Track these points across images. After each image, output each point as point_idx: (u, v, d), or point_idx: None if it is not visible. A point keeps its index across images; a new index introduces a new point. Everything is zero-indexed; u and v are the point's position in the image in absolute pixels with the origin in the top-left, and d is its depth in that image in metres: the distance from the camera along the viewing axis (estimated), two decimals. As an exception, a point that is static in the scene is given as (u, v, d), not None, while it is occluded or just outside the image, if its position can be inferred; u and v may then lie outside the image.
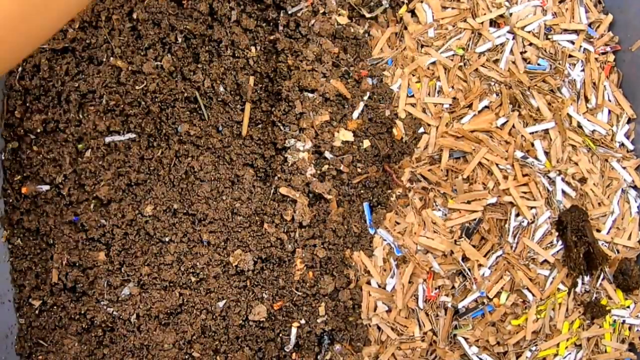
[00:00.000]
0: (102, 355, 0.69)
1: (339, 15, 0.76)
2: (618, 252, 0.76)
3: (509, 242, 0.74)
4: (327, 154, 0.73)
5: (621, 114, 0.79)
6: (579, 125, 0.78)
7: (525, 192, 0.75)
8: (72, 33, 0.72)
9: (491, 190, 0.75)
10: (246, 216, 0.72)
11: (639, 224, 0.77)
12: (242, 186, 0.73)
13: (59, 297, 0.71)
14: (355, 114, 0.75)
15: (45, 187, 0.72)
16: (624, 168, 0.78)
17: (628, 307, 0.75)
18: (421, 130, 0.77)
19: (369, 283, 0.74)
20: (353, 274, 0.73)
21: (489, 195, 0.74)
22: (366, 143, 0.75)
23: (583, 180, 0.76)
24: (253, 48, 0.75)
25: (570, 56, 0.80)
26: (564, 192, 0.76)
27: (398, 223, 0.75)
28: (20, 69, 0.72)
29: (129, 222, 0.71)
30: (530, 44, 0.80)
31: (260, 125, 0.75)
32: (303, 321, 0.70)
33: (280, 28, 0.74)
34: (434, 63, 0.79)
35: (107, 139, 0.72)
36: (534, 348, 0.72)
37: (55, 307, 0.71)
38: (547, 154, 0.76)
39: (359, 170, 0.74)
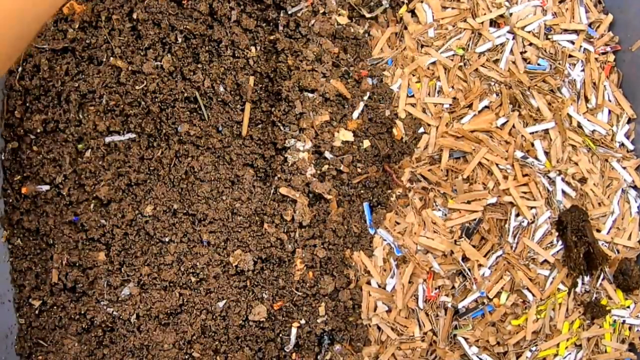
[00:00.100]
0: (102, 355, 0.69)
1: (339, 15, 0.76)
2: (618, 252, 0.76)
3: (509, 242, 0.74)
4: (327, 154, 0.73)
5: (621, 114, 0.79)
6: (579, 125, 0.78)
7: (525, 192, 0.75)
8: (72, 33, 0.72)
9: (491, 190, 0.75)
10: (246, 216, 0.72)
11: (639, 224, 0.77)
12: (242, 186, 0.73)
13: (59, 297, 0.71)
14: (355, 114, 0.75)
15: (45, 187, 0.72)
16: (624, 168, 0.78)
17: (628, 307, 0.75)
18: (421, 130, 0.77)
19: (369, 283, 0.74)
20: (353, 274, 0.73)
21: (489, 195, 0.74)
22: (366, 143, 0.75)
23: (583, 180, 0.76)
24: (253, 48, 0.75)
25: (570, 56, 0.80)
26: (564, 192, 0.76)
27: (398, 223, 0.75)
28: (20, 69, 0.72)
29: (129, 222, 0.71)
30: (530, 44, 0.80)
31: (260, 125, 0.75)
32: (303, 321, 0.70)
33: (280, 28, 0.74)
34: (434, 63, 0.79)
35: (107, 139, 0.72)
36: (534, 348, 0.72)
37: (55, 307, 0.71)
38: (547, 154, 0.76)
39: (359, 170, 0.74)
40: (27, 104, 0.72)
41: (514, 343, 0.72)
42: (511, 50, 0.79)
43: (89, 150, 0.72)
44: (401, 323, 0.73)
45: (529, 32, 0.79)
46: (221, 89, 0.74)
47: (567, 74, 0.79)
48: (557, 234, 0.74)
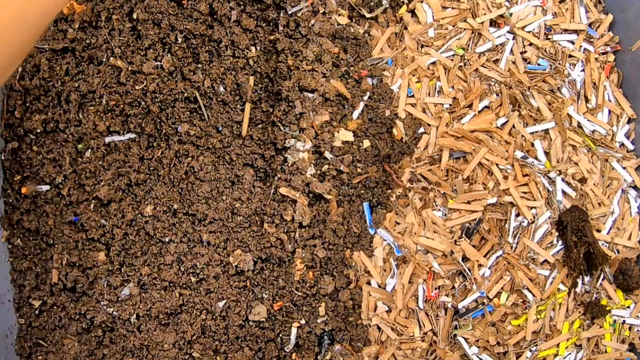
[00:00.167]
0: (102, 355, 0.69)
1: (339, 15, 0.76)
2: (618, 252, 0.76)
3: (509, 242, 0.74)
4: (327, 154, 0.73)
5: (621, 114, 0.79)
6: (579, 125, 0.78)
7: (525, 192, 0.75)
8: (72, 33, 0.72)
9: (491, 190, 0.75)
10: (246, 216, 0.72)
11: (639, 224, 0.77)
12: (242, 186, 0.73)
13: (59, 297, 0.71)
14: (355, 114, 0.75)
15: (45, 187, 0.72)
16: (624, 168, 0.78)
17: (628, 307, 0.75)
18: (421, 130, 0.77)
19: (369, 283, 0.74)
20: (353, 274, 0.73)
21: (489, 195, 0.74)
22: (366, 143, 0.75)
23: (583, 180, 0.76)
24: (253, 48, 0.75)
25: (570, 56, 0.80)
26: (564, 192, 0.76)
27: (398, 223, 0.75)
28: (20, 69, 0.72)
29: (129, 222, 0.71)
30: (531, 44, 0.79)
31: (260, 125, 0.75)
32: (303, 321, 0.70)
33: (280, 28, 0.74)
34: (434, 63, 0.79)
35: (107, 139, 0.72)
36: (534, 348, 0.72)
37: (55, 307, 0.71)
38: (547, 154, 0.76)
39: (359, 170, 0.74)
40: (27, 104, 0.72)
41: (514, 343, 0.72)
42: (511, 50, 0.79)
43: (89, 150, 0.72)
44: (401, 323, 0.73)
45: (529, 32, 0.79)
46: (221, 89, 0.74)
47: (567, 74, 0.79)
48: (557, 234, 0.74)
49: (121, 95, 0.72)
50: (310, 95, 0.72)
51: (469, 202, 0.74)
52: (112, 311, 0.69)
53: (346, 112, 0.75)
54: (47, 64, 0.72)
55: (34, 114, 0.72)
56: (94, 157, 0.72)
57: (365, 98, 0.76)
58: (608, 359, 0.73)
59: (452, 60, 0.78)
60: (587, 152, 0.77)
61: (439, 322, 0.73)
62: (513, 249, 0.74)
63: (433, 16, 0.79)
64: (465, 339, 0.73)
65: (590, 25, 0.81)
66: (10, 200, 0.73)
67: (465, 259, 0.73)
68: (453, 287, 0.73)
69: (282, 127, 0.72)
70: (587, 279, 0.74)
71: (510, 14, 0.80)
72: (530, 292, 0.73)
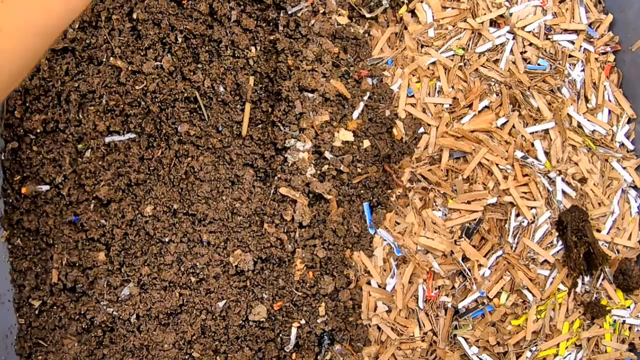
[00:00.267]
0: (102, 355, 0.69)
1: (339, 15, 0.76)
2: (618, 252, 0.76)
3: (509, 242, 0.74)
4: (327, 154, 0.73)
5: (621, 114, 0.79)
6: (579, 125, 0.78)
7: (525, 192, 0.75)
8: (72, 33, 0.72)
9: (491, 190, 0.75)
10: (246, 216, 0.72)
11: (639, 224, 0.77)
12: (242, 186, 0.73)
13: (59, 297, 0.71)
14: (355, 114, 0.75)
15: (45, 187, 0.72)
16: (624, 168, 0.78)
17: (628, 307, 0.75)
18: (421, 130, 0.77)
19: (369, 283, 0.74)
20: (353, 274, 0.73)
21: (489, 195, 0.74)
22: (366, 143, 0.75)
23: (583, 180, 0.76)
24: (253, 48, 0.75)
25: (570, 56, 0.80)
26: (564, 192, 0.76)
27: (398, 223, 0.75)
28: (20, 69, 0.72)
29: (129, 222, 0.71)
30: (531, 44, 0.79)
31: (260, 125, 0.75)
32: (303, 321, 0.70)
33: (280, 28, 0.74)
34: (434, 63, 0.79)
35: (107, 139, 0.72)
36: (534, 348, 0.72)
37: (55, 307, 0.71)
38: (547, 154, 0.76)
39: (359, 170, 0.74)
40: (27, 104, 0.72)
41: (514, 343, 0.72)
42: (511, 50, 0.79)
43: (89, 150, 0.72)
44: (401, 323, 0.73)
45: (529, 32, 0.79)
46: (221, 89, 0.74)
47: (567, 74, 0.79)
48: (557, 234, 0.74)
49: (121, 95, 0.72)
50: (310, 95, 0.72)
51: (469, 202, 0.74)
52: (112, 311, 0.69)
53: (346, 112, 0.75)
54: (47, 63, 0.72)
55: (34, 113, 0.71)
56: (94, 157, 0.72)
57: (365, 98, 0.76)
58: (608, 359, 0.73)
59: (452, 60, 0.78)
60: (587, 152, 0.77)
61: (439, 322, 0.73)
62: (513, 249, 0.74)
63: (433, 16, 0.79)
64: (465, 339, 0.73)
65: (590, 25, 0.81)
66: (10, 200, 0.73)
67: (465, 259, 0.73)
68: (453, 287, 0.73)
69: (282, 127, 0.72)
70: (587, 279, 0.74)
71: (510, 14, 0.80)
72: (530, 292, 0.73)
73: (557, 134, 0.77)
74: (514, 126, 0.76)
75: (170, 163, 0.72)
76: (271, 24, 0.75)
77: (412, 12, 0.80)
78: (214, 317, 0.70)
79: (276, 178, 0.72)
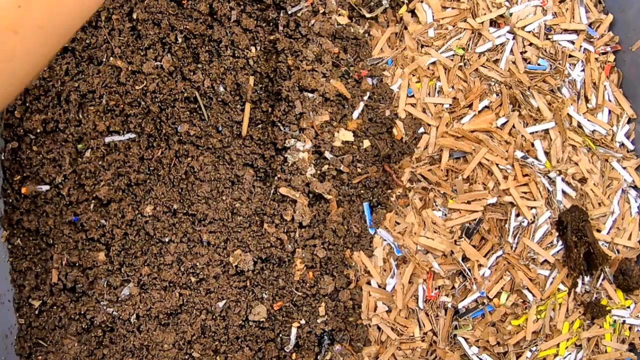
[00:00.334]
0: (102, 355, 0.69)
1: (339, 15, 0.76)
2: (618, 252, 0.76)
3: (509, 242, 0.74)
4: (327, 154, 0.73)
5: (621, 114, 0.79)
6: (579, 125, 0.78)
7: (525, 192, 0.75)
8: (72, 33, 0.72)
9: (491, 190, 0.75)
10: (246, 216, 0.72)
11: (639, 224, 0.77)
12: (242, 186, 0.73)
13: (59, 297, 0.71)
14: (355, 114, 0.75)
15: (45, 187, 0.72)
16: (624, 168, 0.78)
17: (628, 307, 0.75)
18: (421, 130, 0.77)
19: (369, 283, 0.74)
20: (353, 274, 0.73)
21: (489, 195, 0.74)
22: (366, 143, 0.75)
23: (583, 181, 0.76)
24: (253, 48, 0.75)
25: (570, 56, 0.80)
26: (564, 192, 0.76)
27: (398, 223, 0.75)
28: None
29: (128, 222, 0.71)
30: (531, 44, 0.79)
31: (260, 125, 0.75)
32: (303, 321, 0.70)
33: (280, 28, 0.74)
34: (434, 63, 0.79)
35: (107, 139, 0.72)
36: (534, 348, 0.72)
37: (55, 307, 0.71)
38: (547, 154, 0.76)
39: (359, 170, 0.74)
40: (27, 104, 0.72)
41: (514, 343, 0.72)
42: (511, 50, 0.79)
43: (89, 150, 0.72)
44: (401, 323, 0.73)
45: (529, 32, 0.79)
46: (221, 89, 0.74)
47: (567, 74, 0.79)
48: (557, 234, 0.74)
49: (121, 95, 0.72)
50: (310, 95, 0.72)
51: (469, 202, 0.74)
52: (112, 311, 0.69)
53: (346, 112, 0.74)
54: (47, 64, 0.72)
55: (34, 113, 0.71)
56: (94, 157, 0.72)
57: (365, 98, 0.76)
58: (608, 359, 0.73)
59: (452, 60, 0.78)
60: (587, 152, 0.77)
61: (439, 322, 0.73)
62: (513, 249, 0.74)
63: (433, 16, 0.79)
64: (465, 339, 0.73)
65: (590, 25, 0.81)
66: (10, 200, 0.73)
67: (465, 259, 0.73)
68: (453, 287, 0.73)
69: (282, 127, 0.72)
70: (587, 279, 0.74)
71: (510, 14, 0.80)
72: (530, 292, 0.73)
73: (557, 134, 0.77)
74: (514, 126, 0.76)
75: (170, 163, 0.72)
76: (271, 24, 0.75)
77: (412, 12, 0.80)
78: (214, 317, 0.70)
79: (276, 178, 0.72)
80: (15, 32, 0.37)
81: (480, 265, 0.73)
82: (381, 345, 0.73)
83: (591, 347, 0.74)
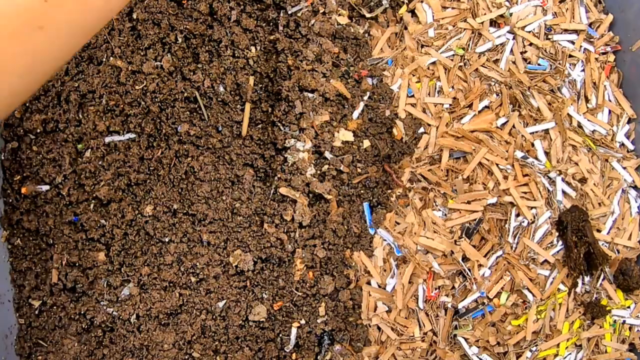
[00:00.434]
0: (102, 355, 0.69)
1: (339, 15, 0.76)
2: (618, 252, 0.76)
3: (509, 242, 0.74)
4: (327, 154, 0.73)
5: (621, 114, 0.79)
6: (579, 125, 0.78)
7: (525, 192, 0.75)
8: (72, 33, 0.72)
9: (491, 190, 0.75)
10: (246, 216, 0.72)
11: (639, 224, 0.77)
12: (242, 186, 0.73)
13: (59, 297, 0.71)
14: (355, 114, 0.75)
15: (45, 187, 0.72)
16: (625, 168, 0.78)
17: (628, 307, 0.75)
18: (421, 130, 0.77)
19: (369, 283, 0.74)
20: (353, 274, 0.73)
21: (489, 195, 0.74)
22: (366, 143, 0.75)
23: (583, 181, 0.76)
24: (253, 48, 0.75)
25: (570, 56, 0.80)
26: (564, 192, 0.76)
27: (398, 223, 0.75)
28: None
29: (128, 222, 0.71)
30: (531, 44, 0.79)
31: (260, 125, 0.75)
32: (303, 321, 0.70)
33: (280, 28, 0.74)
34: (434, 63, 0.79)
35: (107, 139, 0.72)
36: (534, 348, 0.72)
37: (55, 307, 0.71)
38: (547, 154, 0.76)
39: (359, 170, 0.74)
40: (27, 104, 0.72)
41: (514, 343, 0.72)
42: (511, 50, 0.79)
43: (89, 150, 0.72)
44: (401, 323, 0.73)
45: (529, 32, 0.79)
46: (221, 89, 0.74)
47: (568, 74, 0.79)
48: (557, 234, 0.74)
49: (121, 95, 0.72)
50: (310, 95, 0.72)
51: (469, 202, 0.74)
52: (112, 311, 0.69)
53: (346, 112, 0.74)
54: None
55: (34, 113, 0.71)
56: (94, 157, 0.72)
57: (365, 98, 0.76)
58: (608, 359, 0.73)
59: (452, 60, 0.78)
60: (587, 152, 0.77)
61: (439, 322, 0.73)
62: (513, 249, 0.74)
63: (433, 16, 0.79)
64: (465, 339, 0.73)
65: (590, 25, 0.81)
66: (10, 200, 0.73)
67: (465, 259, 0.73)
68: (453, 287, 0.73)
69: (282, 127, 0.72)
70: (587, 279, 0.74)
71: (510, 14, 0.80)
72: (530, 292, 0.73)
73: (557, 134, 0.76)
74: (514, 126, 0.76)
75: (170, 163, 0.72)
76: (271, 24, 0.75)
77: (412, 12, 0.80)
78: (214, 317, 0.70)
79: (276, 178, 0.72)
80: (40, 27, 0.36)
81: (480, 265, 0.73)
82: (381, 345, 0.73)
83: (591, 347, 0.74)
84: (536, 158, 0.76)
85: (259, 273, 0.71)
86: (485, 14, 0.79)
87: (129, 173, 0.71)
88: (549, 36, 0.80)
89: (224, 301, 0.70)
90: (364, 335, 0.72)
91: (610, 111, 0.79)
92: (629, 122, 0.79)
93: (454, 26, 0.79)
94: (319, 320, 0.71)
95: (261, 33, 0.75)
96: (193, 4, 0.73)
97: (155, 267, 0.70)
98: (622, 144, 0.79)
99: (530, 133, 0.76)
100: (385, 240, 0.75)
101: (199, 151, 0.73)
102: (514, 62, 0.79)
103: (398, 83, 0.78)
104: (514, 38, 0.79)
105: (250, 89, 0.74)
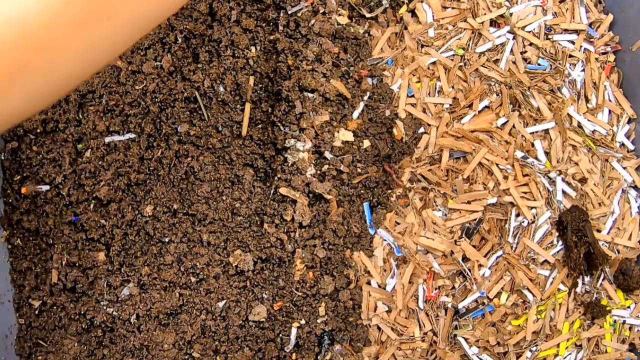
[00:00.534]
0: (102, 355, 0.69)
1: (339, 15, 0.76)
2: (618, 252, 0.76)
3: (509, 242, 0.74)
4: (327, 154, 0.73)
5: (621, 114, 0.79)
6: (579, 125, 0.78)
7: (525, 192, 0.75)
8: (72, 33, 0.72)
9: (491, 190, 0.75)
10: (246, 216, 0.72)
11: (639, 224, 0.77)
12: (242, 186, 0.73)
13: (59, 297, 0.71)
14: (355, 114, 0.75)
15: (45, 187, 0.72)
16: (625, 168, 0.78)
17: (628, 307, 0.75)
18: (421, 130, 0.77)
19: (369, 283, 0.74)
20: (353, 274, 0.73)
21: (489, 195, 0.74)
22: (366, 143, 0.75)
23: (583, 181, 0.76)
24: (253, 48, 0.75)
25: (570, 56, 0.79)
26: (564, 192, 0.76)
27: (398, 223, 0.75)
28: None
29: (128, 223, 0.71)
30: (531, 44, 0.79)
31: (260, 125, 0.75)
32: (303, 321, 0.70)
33: (280, 28, 0.74)
34: (434, 63, 0.79)
35: (107, 139, 0.72)
36: (534, 348, 0.72)
37: (55, 308, 0.71)
38: (547, 154, 0.76)
39: (359, 170, 0.74)
40: (27, 104, 0.72)
41: (514, 343, 0.72)
42: (511, 50, 0.79)
43: (89, 150, 0.72)
44: (401, 323, 0.73)
45: (529, 32, 0.79)
46: (221, 89, 0.73)
47: (568, 74, 0.79)
48: (557, 234, 0.74)
49: (121, 95, 0.72)
50: (310, 95, 0.72)
51: (469, 202, 0.74)
52: (112, 311, 0.69)
53: (346, 112, 0.74)
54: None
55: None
56: (94, 157, 0.72)
57: (365, 98, 0.76)
58: (608, 359, 0.73)
59: (452, 60, 0.78)
60: (587, 152, 0.77)
61: (439, 322, 0.73)
62: (513, 249, 0.74)
63: (433, 16, 0.79)
64: (466, 339, 0.73)
65: (590, 25, 0.81)
66: (10, 200, 0.73)
67: (465, 259, 0.73)
68: (453, 287, 0.73)
69: (282, 127, 0.72)
70: (587, 279, 0.74)
71: (511, 14, 0.80)
72: (531, 292, 0.73)
73: (557, 134, 0.76)
74: (514, 126, 0.76)
75: (170, 163, 0.72)
76: (271, 24, 0.75)
77: (412, 12, 0.80)
78: (214, 317, 0.70)
79: (276, 178, 0.72)
80: (108, 17, 0.34)
81: (480, 266, 0.73)
82: (381, 345, 0.73)
83: (591, 347, 0.74)
84: (536, 158, 0.76)
85: (259, 273, 0.71)
86: (485, 14, 0.79)
87: (129, 173, 0.71)
88: (549, 36, 0.80)
89: (224, 301, 0.70)
90: (364, 335, 0.72)
91: (610, 111, 0.79)
92: (629, 122, 0.79)
93: (454, 26, 0.79)
94: (319, 320, 0.71)
95: (261, 33, 0.75)
96: (193, 4, 0.73)
97: (155, 267, 0.70)
98: (622, 144, 0.79)
99: (530, 133, 0.76)
100: (385, 240, 0.74)
101: (199, 151, 0.73)
102: (514, 62, 0.79)
103: (398, 83, 0.78)
104: (514, 38, 0.79)
105: (250, 89, 0.74)
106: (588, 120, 0.78)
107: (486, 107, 0.77)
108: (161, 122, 0.73)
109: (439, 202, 0.75)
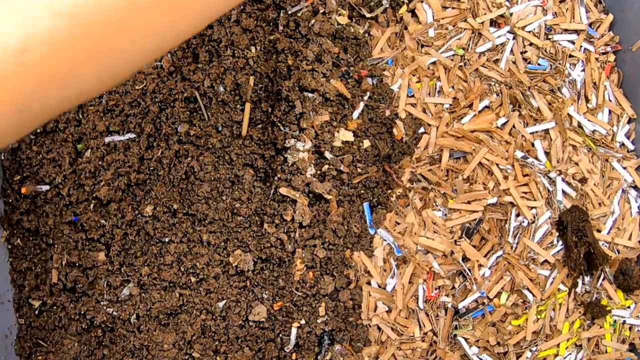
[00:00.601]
0: (102, 355, 0.69)
1: (339, 15, 0.76)
2: (618, 252, 0.76)
3: (510, 242, 0.74)
4: (327, 154, 0.73)
5: (622, 114, 0.79)
6: (580, 125, 0.78)
7: (525, 192, 0.75)
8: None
9: (491, 190, 0.75)
10: (246, 216, 0.72)
11: (639, 224, 0.77)
12: (242, 186, 0.73)
13: (59, 297, 0.71)
14: (355, 114, 0.75)
15: (45, 187, 0.72)
16: (625, 168, 0.77)
17: (628, 307, 0.75)
18: (421, 130, 0.77)
19: (369, 283, 0.74)
20: (353, 274, 0.73)
21: (489, 195, 0.74)
22: (366, 143, 0.75)
23: (583, 181, 0.76)
24: (253, 48, 0.75)
25: (570, 56, 0.79)
26: (564, 192, 0.76)
27: (398, 223, 0.75)
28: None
29: (128, 223, 0.71)
30: (531, 44, 0.79)
31: (260, 125, 0.75)
32: (303, 321, 0.70)
33: (280, 28, 0.74)
34: (434, 63, 0.78)
35: (107, 139, 0.72)
36: (534, 348, 0.72)
37: (55, 308, 0.71)
38: (547, 154, 0.76)
39: (359, 170, 0.74)
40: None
41: (514, 343, 0.72)
42: (511, 50, 0.79)
43: (89, 150, 0.72)
44: (401, 323, 0.73)
45: (529, 32, 0.79)
46: (221, 89, 0.73)
47: (568, 74, 0.79)
48: (557, 234, 0.74)
49: (121, 95, 0.72)
50: (310, 95, 0.72)
51: (469, 202, 0.74)
52: (112, 311, 0.69)
53: (346, 112, 0.74)
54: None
55: (34, 114, 0.71)
56: (94, 157, 0.72)
57: (366, 98, 0.76)
58: (608, 359, 0.73)
59: (452, 60, 0.78)
60: (587, 152, 0.77)
61: (439, 322, 0.73)
62: (513, 249, 0.74)
63: (433, 16, 0.79)
64: (466, 339, 0.72)
65: (590, 25, 0.81)
66: (10, 200, 0.73)
67: (465, 259, 0.73)
68: (453, 287, 0.73)
69: (282, 127, 0.72)
70: (587, 279, 0.74)
71: (511, 14, 0.80)
72: (531, 292, 0.73)
73: (557, 134, 0.76)
74: (514, 126, 0.76)
75: (170, 163, 0.72)
76: (271, 24, 0.75)
77: (412, 12, 0.80)
78: (214, 317, 0.70)
79: (276, 178, 0.72)
80: (168, 14, 0.33)
81: (480, 266, 0.73)
82: (381, 345, 0.73)
83: (591, 347, 0.73)
84: (536, 158, 0.76)
85: (259, 273, 0.71)
86: (485, 13, 0.79)
87: (129, 173, 0.71)
88: (549, 36, 0.80)
89: (224, 301, 0.70)
90: (364, 335, 0.72)
91: (610, 111, 0.79)
92: (629, 122, 0.79)
93: (454, 26, 0.79)
94: (319, 320, 0.70)
95: (261, 33, 0.75)
96: (193, 3, 0.73)
97: (155, 267, 0.70)
98: (622, 144, 0.79)
99: (531, 133, 0.76)
100: (385, 240, 0.74)
101: (199, 151, 0.73)
102: (514, 62, 0.79)
103: (398, 83, 0.78)
104: (514, 38, 0.79)
105: (250, 89, 0.74)
106: (588, 120, 0.78)
107: (486, 107, 0.77)
108: (161, 122, 0.73)
109: (439, 202, 0.75)
